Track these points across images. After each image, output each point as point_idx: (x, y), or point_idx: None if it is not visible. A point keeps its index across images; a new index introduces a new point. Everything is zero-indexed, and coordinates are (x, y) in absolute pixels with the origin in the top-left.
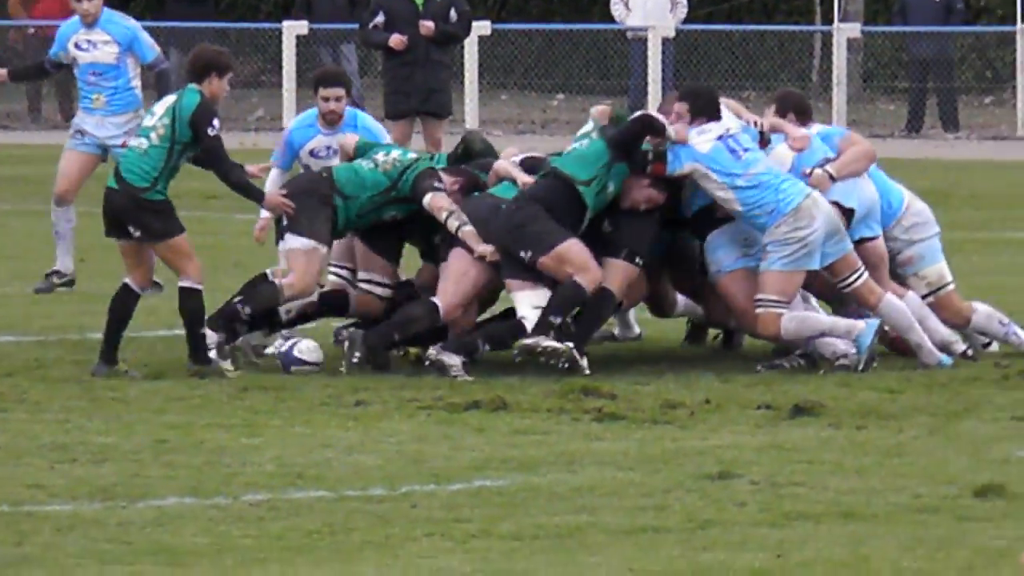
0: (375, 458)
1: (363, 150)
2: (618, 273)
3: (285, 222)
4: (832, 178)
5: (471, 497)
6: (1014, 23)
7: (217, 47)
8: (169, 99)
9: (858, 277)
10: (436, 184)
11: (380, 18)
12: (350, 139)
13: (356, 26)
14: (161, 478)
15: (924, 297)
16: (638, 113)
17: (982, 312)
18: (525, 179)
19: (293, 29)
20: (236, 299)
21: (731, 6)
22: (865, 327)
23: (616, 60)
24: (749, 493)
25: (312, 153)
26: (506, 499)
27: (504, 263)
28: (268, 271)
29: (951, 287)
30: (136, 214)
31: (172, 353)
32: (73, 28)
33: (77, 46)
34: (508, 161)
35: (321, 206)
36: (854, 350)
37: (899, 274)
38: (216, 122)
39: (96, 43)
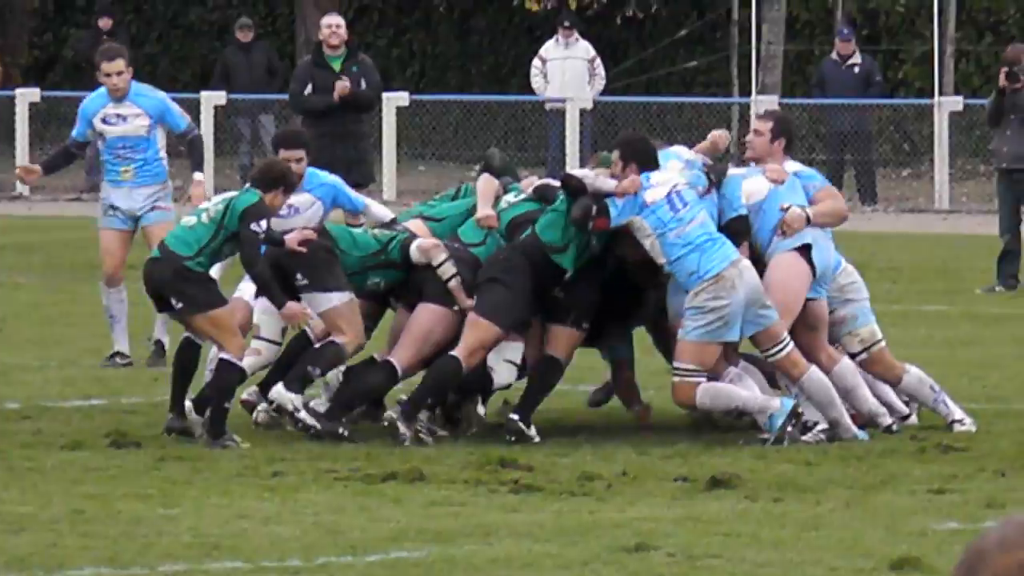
0: (292, 529)
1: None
2: (564, 339)
3: (305, 282)
4: (808, 220)
5: (388, 569)
6: (932, 96)
7: (285, 164)
8: (229, 194)
9: (781, 349)
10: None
11: (309, 89)
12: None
13: (274, 96)
14: (78, 548)
15: (857, 355)
16: (560, 175)
17: (914, 375)
18: (485, 213)
19: (211, 100)
20: (308, 365)
21: (649, 78)
22: (779, 407)
23: (534, 131)
24: (666, 565)
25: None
26: (423, 571)
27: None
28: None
29: (883, 344)
30: (177, 284)
31: (89, 423)
32: (100, 103)
33: (105, 120)
34: (491, 185)
35: (333, 259)
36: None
37: (832, 333)
38: (264, 224)
39: (126, 117)
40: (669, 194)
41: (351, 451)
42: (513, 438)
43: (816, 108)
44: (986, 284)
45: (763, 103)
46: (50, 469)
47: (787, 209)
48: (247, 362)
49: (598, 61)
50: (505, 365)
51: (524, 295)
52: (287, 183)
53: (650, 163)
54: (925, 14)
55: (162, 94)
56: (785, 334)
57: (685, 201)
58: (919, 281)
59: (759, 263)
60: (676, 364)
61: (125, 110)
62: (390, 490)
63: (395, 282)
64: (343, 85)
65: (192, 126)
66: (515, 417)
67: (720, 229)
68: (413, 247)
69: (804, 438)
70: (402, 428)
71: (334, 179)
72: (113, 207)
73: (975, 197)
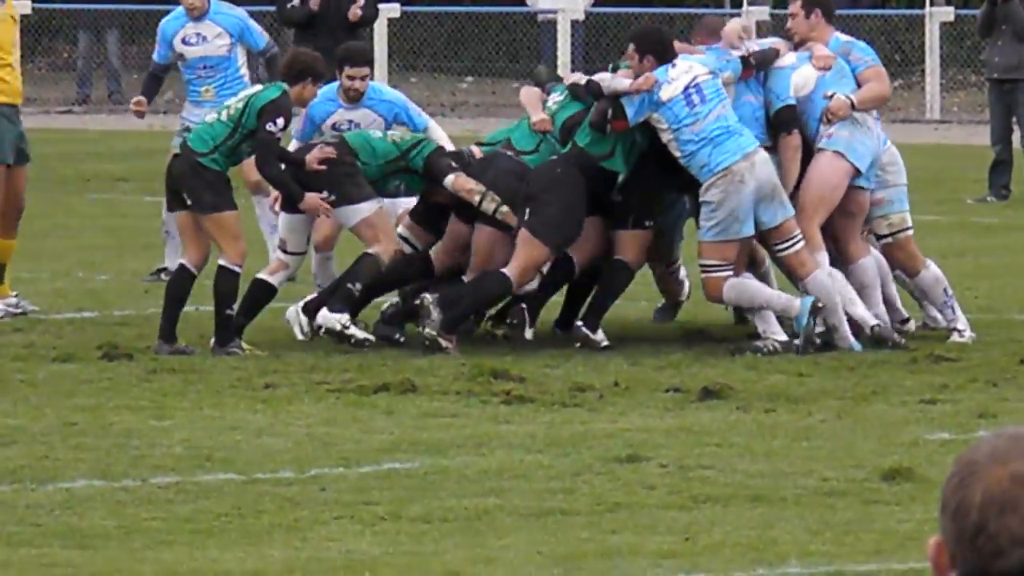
0: (284, 441)
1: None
2: (629, 242)
3: (333, 197)
4: (853, 106)
5: (380, 480)
6: (923, 6)
7: (314, 53)
8: (255, 88)
9: (791, 245)
10: (453, 164)
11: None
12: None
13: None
14: (70, 460)
15: (883, 238)
16: (568, 84)
17: (932, 272)
18: (539, 117)
19: None
20: (347, 282)
21: None
22: (801, 307)
23: (525, 43)
24: (658, 476)
25: (334, 127)
26: (415, 482)
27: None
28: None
29: (910, 232)
30: (191, 181)
31: (81, 336)
32: (178, 23)
33: (185, 41)
34: (534, 92)
35: (355, 170)
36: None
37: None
38: (280, 121)
39: (206, 36)
40: (687, 88)
41: (343, 362)
42: (579, 344)
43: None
44: (978, 194)
45: (754, 14)
46: (41, 381)
47: (831, 97)
48: (276, 278)
49: None
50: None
51: (576, 211)
52: (314, 74)
53: (666, 54)
54: None
55: (241, 11)
56: (797, 231)
57: (704, 95)
58: (911, 191)
59: (811, 153)
60: (700, 262)
61: (205, 29)
62: (382, 401)
63: (416, 187)
64: (356, 12)
65: (271, 44)
66: (580, 324)
67: (768, 120)
68: (447, 182)
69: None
70: (443, 343)
71: (397, 96)
72: (188, 129)
73: (966, 108)
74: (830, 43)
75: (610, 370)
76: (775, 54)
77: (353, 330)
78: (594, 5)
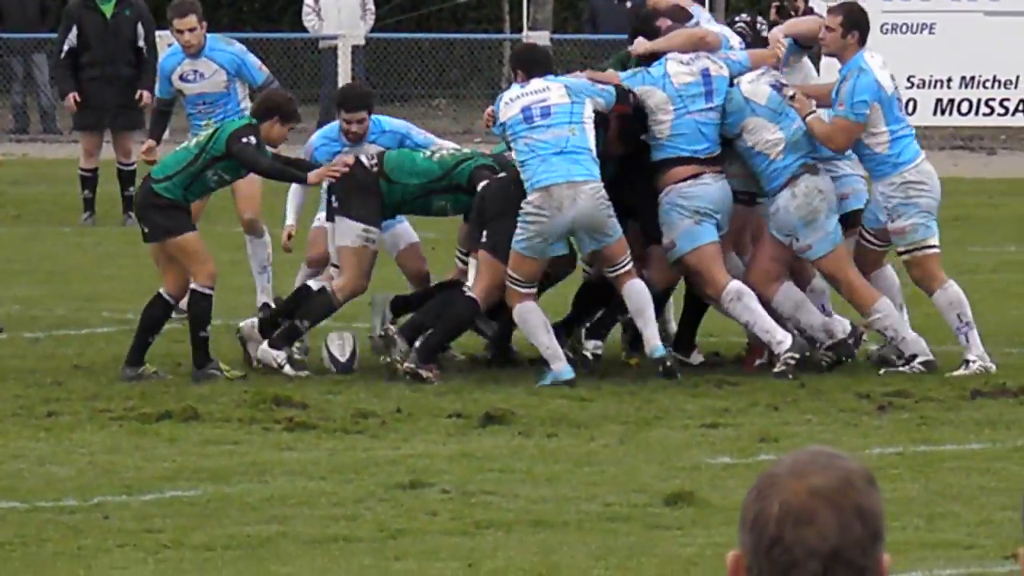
0: (67, 469)
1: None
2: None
3: (336, 204)
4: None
5: (163, 508)
6: None
7: (287, 94)
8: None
9: (617, 268)
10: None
11: (75, 32)
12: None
13: (47, 36)
14: None
15: (901, 253)
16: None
17: (948, 295)
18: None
19: None
20: (296, 319)
21: (420, 15)
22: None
23: (307, 69)
24: (440, 502)
25: None
26: (198, 509)
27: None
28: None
29: (931, 251)
30: (145, 211)
31: None
32: (175, 60)
33: (183, 78)
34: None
35: (371, 190)
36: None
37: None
38: (252, 139)
39: (204, 73)
40: (527, 108)
41: (125, 389)
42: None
43: (588, 44)
44: None
45: (534, 39)
46: None
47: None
48: (318, 283)
49: None
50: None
51: None
52: (282, 113)
53: (532, 71)
54: None
55: (238, 46)
56: (622, 257)
57: (546, 113)
58: None
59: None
60: (507, 271)
61: (202, 66)
62: (164, 429)
63: (464, 206)
64: (146, 95)
65: (270, 78)
66: (673, 351)
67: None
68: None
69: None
70: (424, 374)
71: (399, 125)
72: None
73: None
74: (849, 62)
75: (392, 396)
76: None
77: (288, 369)
78: (374, 31)
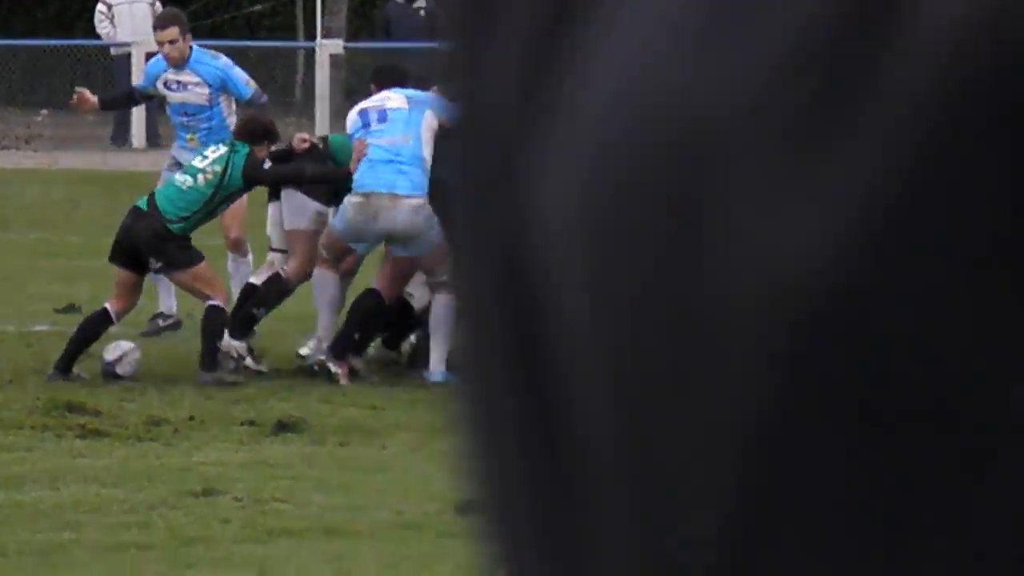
0: None
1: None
2: None
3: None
4: None
5: None
6: None
7: (269, 116)
8: (222, 148)
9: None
10: None
11: None
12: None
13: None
14: None
15: None
16: None
17: None
18: None
19: None
20: (252, 307)
21: (213, 22)
22: None
23: (101, 76)
24: (232, 509)
25: None
26: None
27: None
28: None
29: None
30: (159, 245)
31: None
32: (161, 67)
33: (166, 86)
34: None
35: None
36: None
37: None
38: (264, 160)
39: (186, 84)
40: (366, 111)
41: None
42: None
43: (382, 52)
44: None
45: (327, 47)
46: None
47: None
48: (262, 276)
49: (159, 4)
50: (424, 288)
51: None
52: (271, 137)
53: (384, 83)
54: None
55: (224, 61)
56: (440, 269)
57: (383, 118)
58: None
59: None
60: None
61: (184, 77)
62: None
63: None
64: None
65: (258, 93)
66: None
67: None
68: None
69: None
70: (334, 368)
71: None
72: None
73: None
74: None
75: (185, 404)
76: None
77: (249, 361)
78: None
